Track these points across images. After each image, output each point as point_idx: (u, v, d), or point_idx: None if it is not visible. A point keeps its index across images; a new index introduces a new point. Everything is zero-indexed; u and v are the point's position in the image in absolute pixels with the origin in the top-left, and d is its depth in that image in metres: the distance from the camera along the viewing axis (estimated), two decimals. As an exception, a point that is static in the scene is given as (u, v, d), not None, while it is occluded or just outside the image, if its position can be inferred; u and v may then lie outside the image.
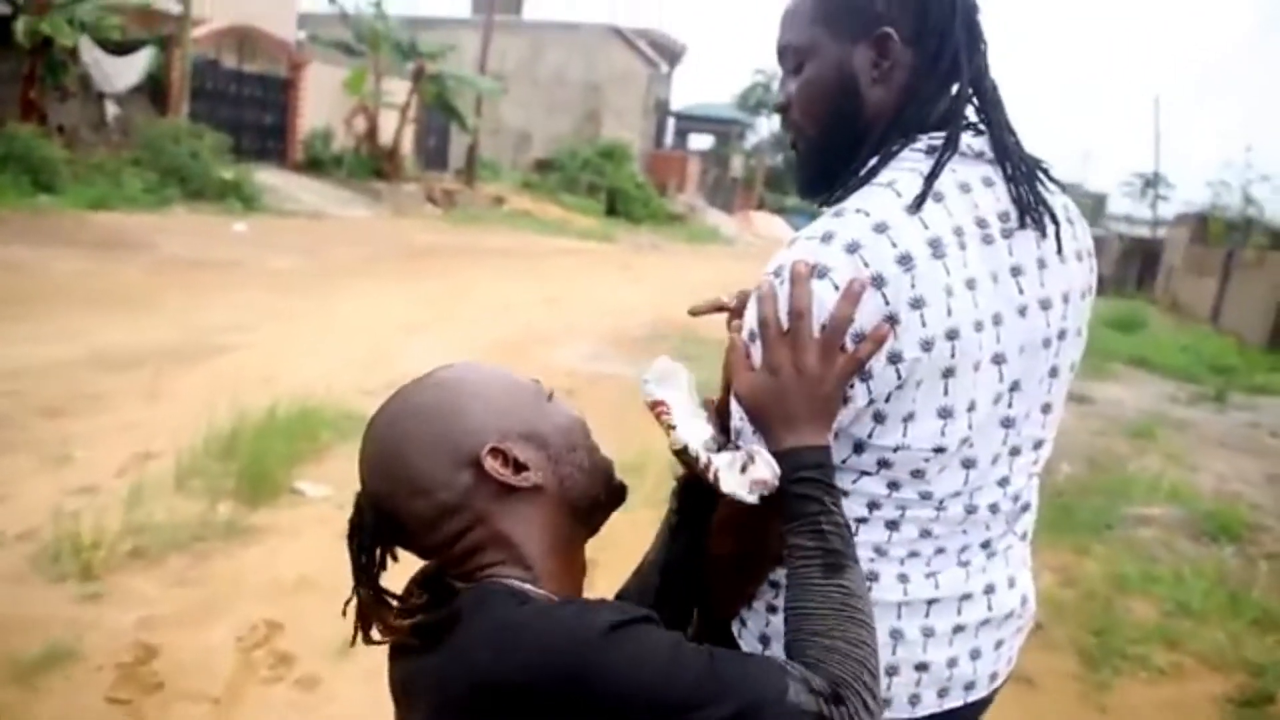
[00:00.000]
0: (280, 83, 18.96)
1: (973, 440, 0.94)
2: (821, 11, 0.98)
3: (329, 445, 4.18)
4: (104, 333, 5.68)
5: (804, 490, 0.85)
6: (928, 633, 1.00)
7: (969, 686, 1.04)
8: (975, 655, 1.04)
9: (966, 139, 0.96)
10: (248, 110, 18.38)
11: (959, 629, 1.02)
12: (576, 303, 9.55)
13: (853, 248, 0.88)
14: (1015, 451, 1.00)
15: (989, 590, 1.04)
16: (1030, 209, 0.95)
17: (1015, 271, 0.94)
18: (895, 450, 0.92)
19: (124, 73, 14.97)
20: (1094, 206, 48.62)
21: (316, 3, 20.59)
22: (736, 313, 1.13)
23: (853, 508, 0.95)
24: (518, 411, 0.89)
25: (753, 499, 0.86)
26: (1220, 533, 4.46)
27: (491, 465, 0.84)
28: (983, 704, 1.09)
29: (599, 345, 7.38)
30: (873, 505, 0.96)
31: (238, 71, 18.25)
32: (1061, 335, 1.00)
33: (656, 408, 0.94)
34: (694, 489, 1.03)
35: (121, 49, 14.67)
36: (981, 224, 0.93)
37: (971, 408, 0.92)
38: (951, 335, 0.89)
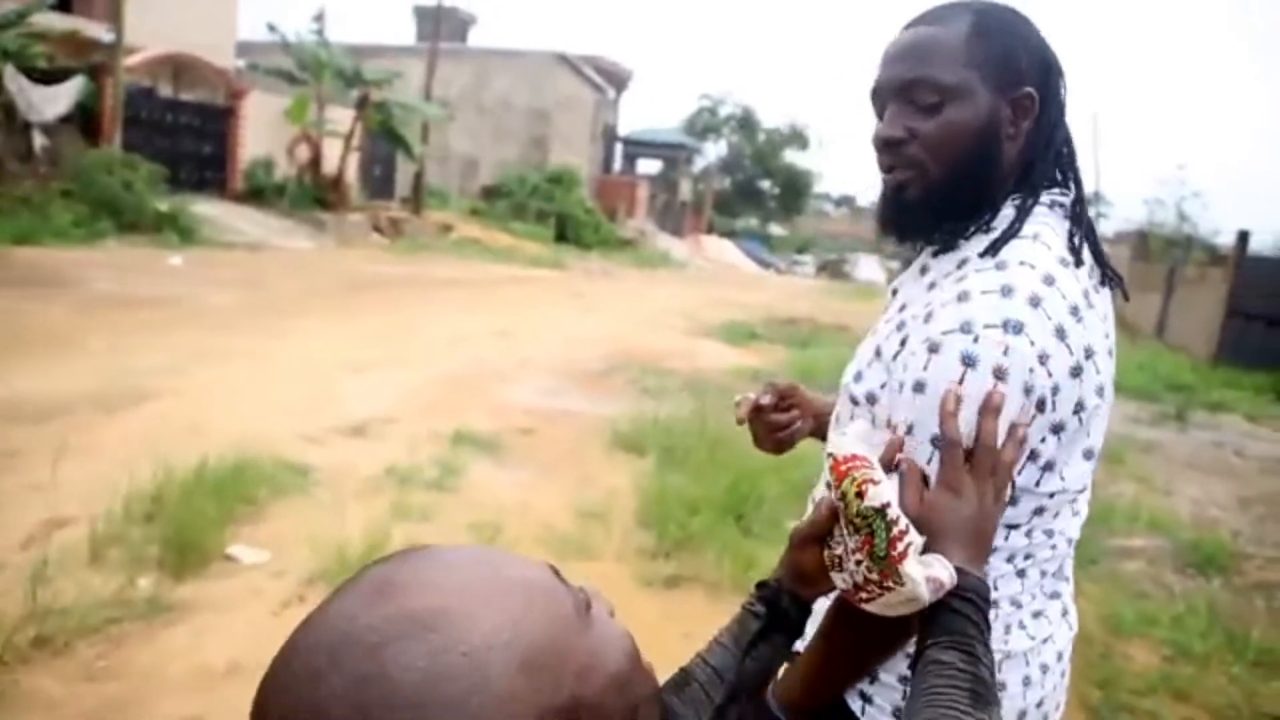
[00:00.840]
0: (219, 112, 18.45)
1: None
2: (978, 57, 0.97)
3: (266, 503, 3.83)
4: (17, 380, 5.24)
5: (963, 609, 0.78)
6: (1045, 669, 1.05)
7: (1057, 706, 1.10)
8: (1064, 675, 1.10)
9: (1057, 196, 1.02)
10: (185, 140, 17.84)
11: (1060, 656, 1.08)
12: (529, 334, 9.26)
13: (1035, 301, 0.90)
14: (1086, 485, 1.07)
15: (1065, 613, 1.09)
16: (1108, 267, 1.04)
17: (1104, 319, 1.00)
18: (1052, 496, 0.98)
19: (52, 102, 14.39)
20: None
21: (256, 31, 20.15)
22: (770, 409, 1.27)
23: (996, 565, 0.99)
24: (558, 665, 0.52)
25: (926, 596, 0.77)
26: (1206, 564, 4.33)
27: None
28: None
29: (555, 380, 7.10)
30: (1011, 558, 1.00)
31: (174, 100, 17.72)
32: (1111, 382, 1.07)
33: (850, 461, 0.82)
34: (795, 585, 0.89)
35: (49, 77, 14.11)
36: (1092, 275, 1.01)
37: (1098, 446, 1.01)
38: (1107, 380, 0.97)
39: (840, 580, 0.84)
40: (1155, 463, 6.45)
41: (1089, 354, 0.92)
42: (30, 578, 2.90)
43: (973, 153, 0.97)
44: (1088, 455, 0.99)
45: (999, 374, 0.87)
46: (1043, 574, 1.03)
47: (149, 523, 3.44)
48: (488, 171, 28.79)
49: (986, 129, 0.97)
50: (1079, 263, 0.97)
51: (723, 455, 4.72)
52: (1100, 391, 0.95)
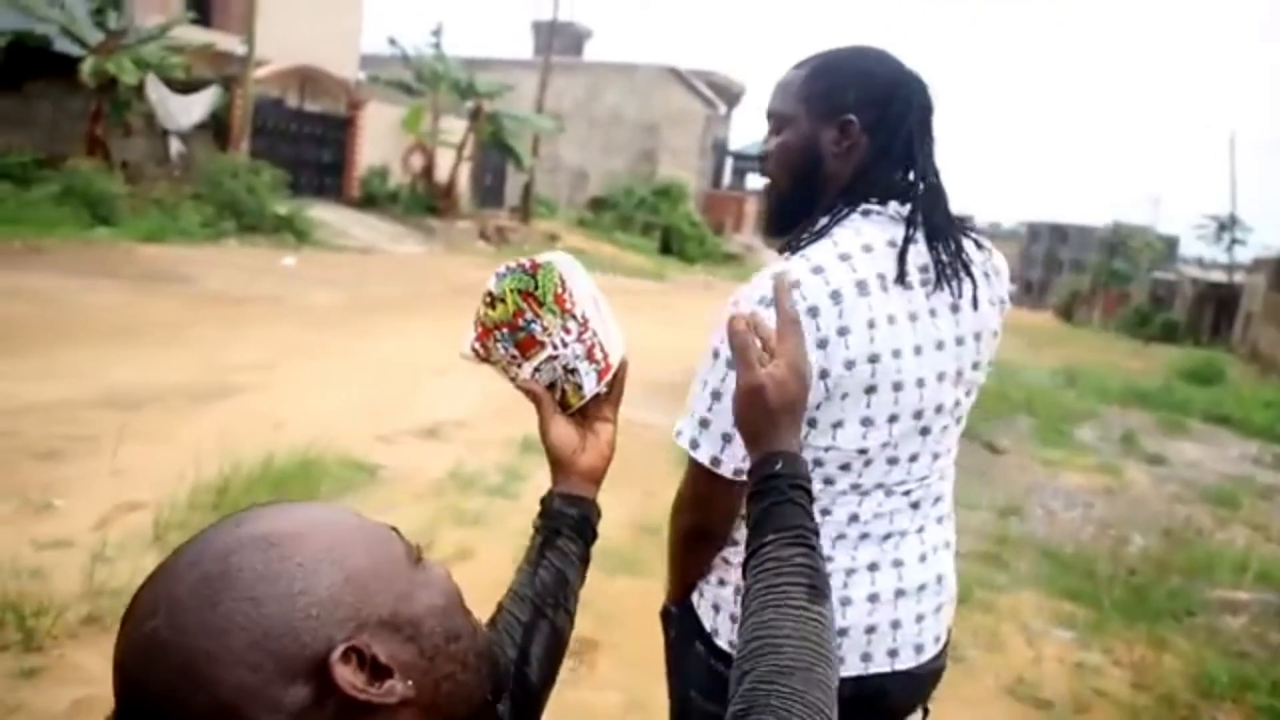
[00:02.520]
0: (340, 121, 19.28)
1: (896, 444, 1.15)
2: (806, 92, 1.20)
3: (327, 499, 3.91)
4: (120, 369, 5.54)
5: (800, 499, 0.82)
6: (845, 601, 1.17)
7: (892, 654, 1.20)
8: (895, 625, 1.20)
9: (896, 206, 1.16)
10: (307, 147, 18.71)
11: (873, 598, 1.18)
12: (618, 344, 9.25)
13: (794, 285, 1.07)
14: (936, 456, 1.21)
15: (897, 564, 1.20)
16: (945, 271, 1.15)
17: (932, 314, 1.15)
18: (825, 450, 1.14)
19: (188, 110, 15.32)
20: (1165, 250, 47.04)
21: (378, 45, 20.98)
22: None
23: None
24: (380, 586, 0.61)
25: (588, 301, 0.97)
26: (1320, 624, 3.92)
27: (344, 675, 0.56)
28: (916, 681, 1.22)
29: (632, 390, 7.03)
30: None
31: (299, 110, 18.60)
32: (975, 366, 1.21)
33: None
34: (568, 498, 0.97)
35: (187, 88, 15.02)
36: (903, 273, 1.12)
37: (893, 419, 1.13)
38: (873, 359, 1.10)
39: (570, 383, 0.94)
40: (1275, 510, 5.93)
41: (842, 332, 1.08)
42: (91, 557, 3.03)
43: (799, 168, 1.20)
44: (866, 423, 1.12)
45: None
46: (854, 518, 1.17)
47: (212, 511, 3.55)
48: (596, 183, 29.15)
49: (808, 149, 1.19)
50: (902, 272, 1.11)
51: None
52: (850, 366, 1.08)
